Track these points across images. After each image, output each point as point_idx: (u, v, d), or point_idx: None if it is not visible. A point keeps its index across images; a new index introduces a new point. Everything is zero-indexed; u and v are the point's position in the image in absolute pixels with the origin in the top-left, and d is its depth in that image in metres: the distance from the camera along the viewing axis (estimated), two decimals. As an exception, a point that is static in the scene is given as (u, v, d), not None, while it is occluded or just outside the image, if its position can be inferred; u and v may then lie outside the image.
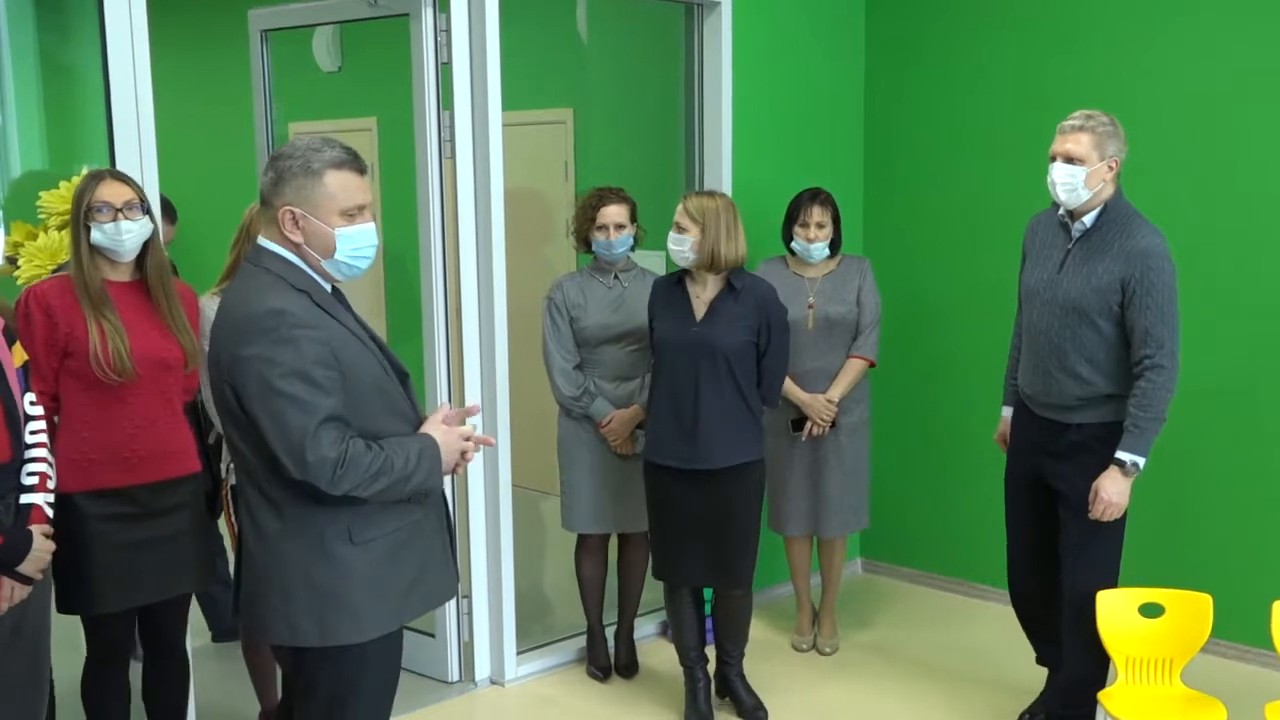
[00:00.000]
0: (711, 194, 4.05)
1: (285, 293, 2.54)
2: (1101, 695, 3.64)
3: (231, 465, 3.37)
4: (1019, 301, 3.98)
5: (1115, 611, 3.69)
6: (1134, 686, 3.67)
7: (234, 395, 2.52)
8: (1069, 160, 3.57)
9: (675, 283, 4.12)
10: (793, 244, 4.63)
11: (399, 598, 2.69)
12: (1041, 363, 3.77)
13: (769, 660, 4.78)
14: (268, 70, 4.88)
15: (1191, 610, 3.68)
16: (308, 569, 2.59)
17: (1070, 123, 3.61)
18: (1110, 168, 3.59)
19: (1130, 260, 3.56)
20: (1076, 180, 3.57)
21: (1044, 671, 4.17)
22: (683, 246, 3.98)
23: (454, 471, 2.76)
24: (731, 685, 4.33)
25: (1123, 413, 3.63)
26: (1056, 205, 3.74)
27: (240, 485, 2.69)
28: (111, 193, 3.21)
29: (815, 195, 4.59)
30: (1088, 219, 3.66)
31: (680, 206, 4.02)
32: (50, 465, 2.90)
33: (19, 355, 2.88)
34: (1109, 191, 3.64)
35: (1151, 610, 3.72)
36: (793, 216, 4.61)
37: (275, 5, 4.94)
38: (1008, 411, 4.08)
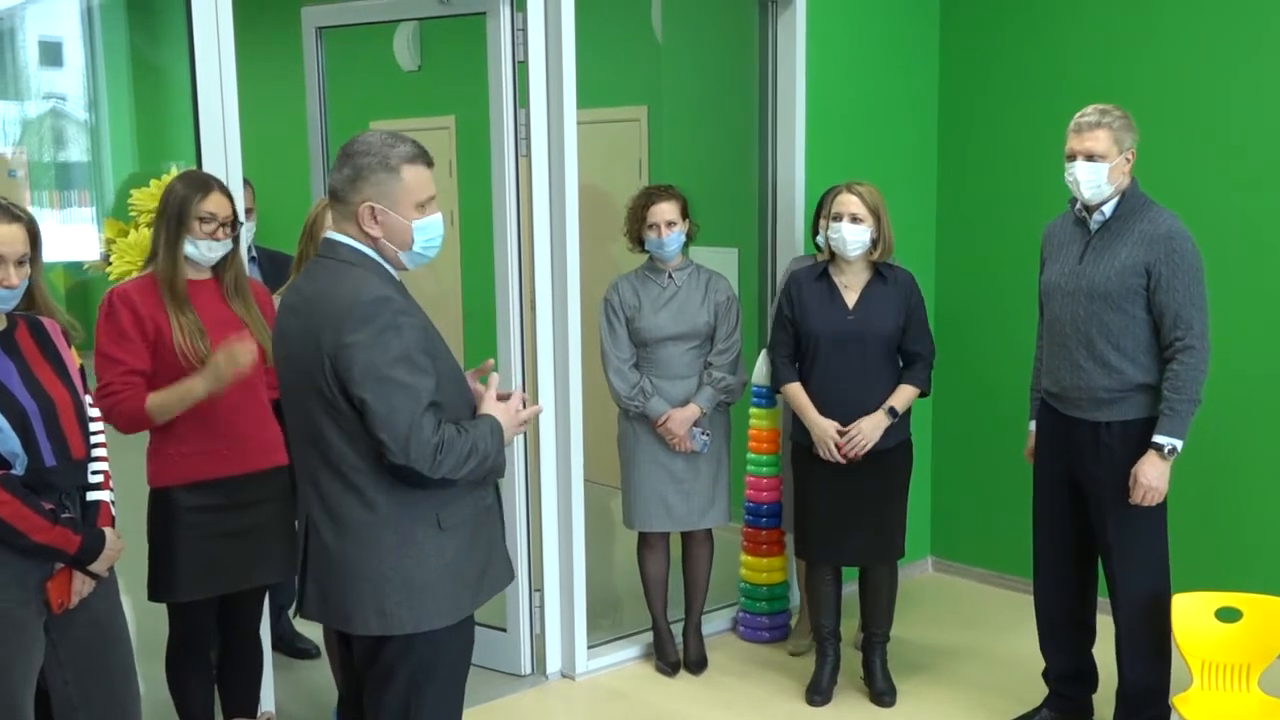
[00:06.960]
0: (865, 184, 4.12)
1: (381, 283, 2.60)
2: (1177, 700, 3.60)
3: None
4: (1039, 306, 3.95)
5: (1191, 615, 3.66)
6: (1209, 693, 3.63)
7: (337, 383, 2.55)
8: (1090, 158, 3.61)
9: (819, 276, 4.19)
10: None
11: (475, 582, 2.75)
12: (1070, 355, 3.75)
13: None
14: (322, 67, 4.91)
15: (1270, 615, 3.64)
16: (398, 557, 2.63)
17: (1086, 119, 3.64)
18: (1128, 159, 3.64)
19: (1153, 244, 3.59)
20: (1100, 177, 3.61)
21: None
22: (864, 237, 4.07)
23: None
24: (871, 666, 4.41)
25: (1151, 408, 3.64)
26: (1072, 205, 3.78)
27: (314, 480, 2.68)
28: (218, 205, 3.30)
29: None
30: (1106, 209, 3.69)
31: (848, 198, 4.07)
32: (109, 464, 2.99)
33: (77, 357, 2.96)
34: (1125, 182, 3.68)
35: (1229, 615, 3.68)
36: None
37: (331, 3, 4.97)
38: (1034, 426, 4.04)
